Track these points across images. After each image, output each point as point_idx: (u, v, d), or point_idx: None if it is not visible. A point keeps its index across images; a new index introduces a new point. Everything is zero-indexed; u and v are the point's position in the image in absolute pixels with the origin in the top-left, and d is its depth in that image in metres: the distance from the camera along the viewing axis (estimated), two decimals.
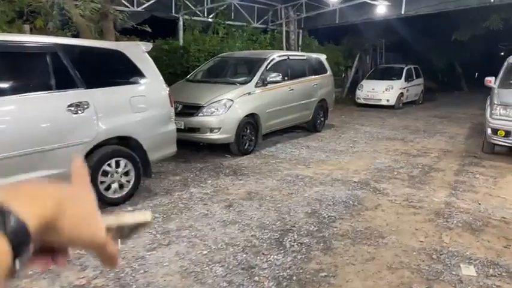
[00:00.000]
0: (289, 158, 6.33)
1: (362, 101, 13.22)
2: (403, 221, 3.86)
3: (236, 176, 5.26)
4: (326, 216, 3.95)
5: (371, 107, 12.87)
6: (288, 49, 12.39)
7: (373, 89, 13.10)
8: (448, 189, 4.87)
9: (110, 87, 4.00)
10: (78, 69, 3.75)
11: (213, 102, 6.05)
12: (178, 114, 6.04)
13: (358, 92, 13.40)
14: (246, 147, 6.42)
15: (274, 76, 6.87)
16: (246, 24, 11.56)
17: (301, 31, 13.63)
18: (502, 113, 6.26)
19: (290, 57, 7.86)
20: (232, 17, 11.32)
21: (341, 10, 12.05)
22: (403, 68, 13.73)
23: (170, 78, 8.83)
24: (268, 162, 6.04)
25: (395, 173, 5.56)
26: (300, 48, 13.25)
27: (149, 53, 8.82)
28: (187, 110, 6.10)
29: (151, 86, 4.38)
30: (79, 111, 3.65)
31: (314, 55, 9.15)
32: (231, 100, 6.14)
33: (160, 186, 4.77)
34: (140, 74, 4.28)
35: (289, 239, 3.43)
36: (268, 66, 7.01)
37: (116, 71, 4.18)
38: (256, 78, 6.69)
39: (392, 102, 12.84)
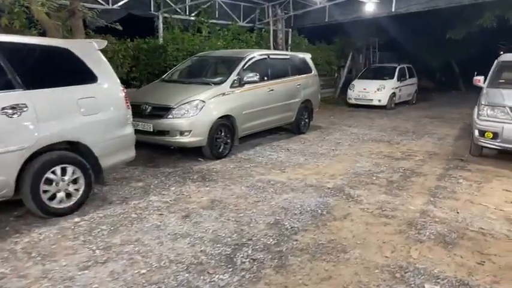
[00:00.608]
0: (265, 161, 6.01)
1: (353, 101, 12.89)
2: (371, 233, 3.54)
3: (204, 182, 4.95)
4: (289, 228, 3.63)
5: (363, 108, 12.54)
6: (275, 48, 12.06)
7: (364, 89, 12.77)
8: (426, 196, 4.54)
9: (54, 88, 3.67)
10: (16, 68, 3.43)
11: (184, 104, 5.73)
12: (147, 116, 5.79)
13: (349, 92, 13.07)
14: (220, 150, 6.10)
15: (251, 76, 6.53)
16: (232, 22, 11.24)
17: (290, 30, 13.31)
18: (490, 113, 5.92)
19: (270, 56, 7.51)
20: (217, 16, 10.99)
21: (330, 8, 11.73)
22: (395, 68, 13.40)
23: (149, 78, 8.56)
24: (242, 166, 5.72)
25: (374, 177, 5.23)
26: (289, 47, 12.92)
27: (128, 52, 8.61)
28: (157, 111, 5.78)
29: (103, 86, 4.06)
30: (15, 115, 3.34)
31: (299, 54, 8.83)
32: (203, 101, 5.81)
33: (119, 194, 4.45)
34: (90, 74, 3.96)
35: (242, 255, 3.12)
36: (246, 66, 6.68)
37: (61, 70, 3.85)
38: (231, 78, 6.35)
39: (384, 102, 12.51)
